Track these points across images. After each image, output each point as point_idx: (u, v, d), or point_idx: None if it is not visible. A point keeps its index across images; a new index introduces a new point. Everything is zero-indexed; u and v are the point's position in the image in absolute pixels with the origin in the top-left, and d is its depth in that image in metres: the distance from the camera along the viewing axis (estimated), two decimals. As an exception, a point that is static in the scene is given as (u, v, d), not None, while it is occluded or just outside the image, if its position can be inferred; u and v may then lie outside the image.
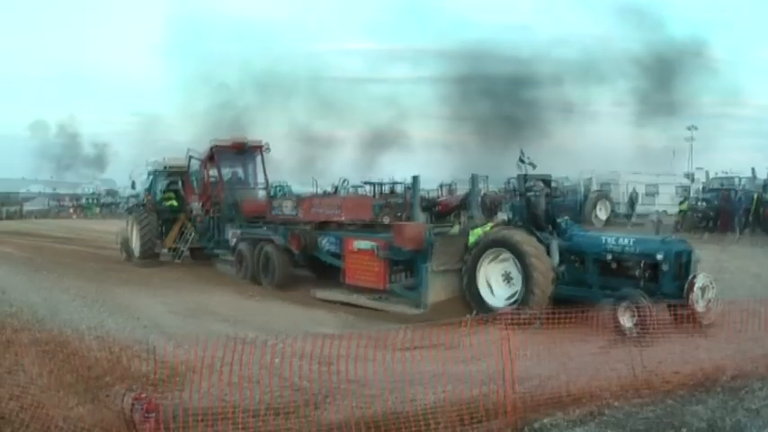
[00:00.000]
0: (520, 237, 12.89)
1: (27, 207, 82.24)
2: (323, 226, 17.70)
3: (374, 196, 41.21)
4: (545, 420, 7.13)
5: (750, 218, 28.86)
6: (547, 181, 14.44)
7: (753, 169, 37.53)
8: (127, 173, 29.94)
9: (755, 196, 28.45)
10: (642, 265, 12.21)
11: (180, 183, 24.01)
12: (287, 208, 18.35)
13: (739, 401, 7.62)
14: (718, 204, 30.22)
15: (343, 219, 18.01)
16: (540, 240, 12.86)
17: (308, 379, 7.82)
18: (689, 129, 56.89)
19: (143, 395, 6.99)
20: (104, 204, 75.27)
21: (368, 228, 17.93)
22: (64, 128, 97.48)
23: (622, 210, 36.87)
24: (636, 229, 29.06)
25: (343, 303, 15.09)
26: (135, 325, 12.86)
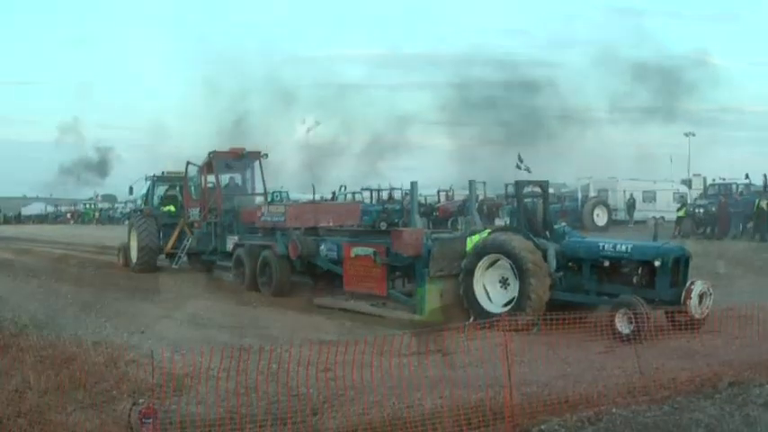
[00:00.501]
0: (517, 242, 12.89)
1: (25, 212, 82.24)
2: (310, 232, 17.74)
3: (372, 202, 41.40)
4: (543, 426, 7.14)
5: (751, 224, 28.93)
6: (544, 186, 14.47)
7: (746, 175, 37.57)
8: (128, 181, 30.00)
9: (757, 202, 28.48)
10: (640, 270, 12.23)
11: (178, 189, 24.05)
12: (275, 214, 18.39)
13: (737, 408, 7.63)
14: (716, 210, 30.29)
15: (330, 224, 18.07)
16: (537, 246, 12.87)
17: (307, 385, 7.82)
18: (686, 135, 57.05)
19: (141, 400, 7.00)
20: (102, 210, 75.13)
21: (367, 234, 17.93)
22: (67, 131, 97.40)
23: (620, 215, 36.94)
24: (634, 234, 29.11)
25: (342, 310, 15.08)
26: (132, 331, 12.85)
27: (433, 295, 13.85)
